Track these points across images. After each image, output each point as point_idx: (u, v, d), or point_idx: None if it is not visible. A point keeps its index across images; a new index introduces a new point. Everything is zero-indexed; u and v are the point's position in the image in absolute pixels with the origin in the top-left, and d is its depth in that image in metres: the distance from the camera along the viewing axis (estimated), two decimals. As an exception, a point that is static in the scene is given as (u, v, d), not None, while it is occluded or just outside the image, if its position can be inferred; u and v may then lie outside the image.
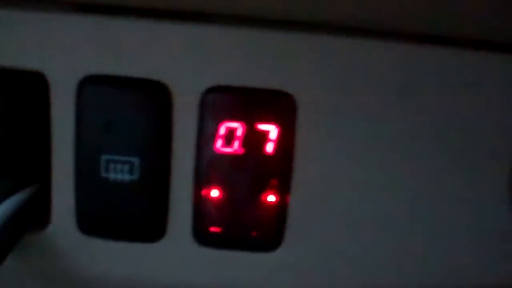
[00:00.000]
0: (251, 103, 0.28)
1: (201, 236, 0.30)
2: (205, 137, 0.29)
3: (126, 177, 0.29)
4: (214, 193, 0.30)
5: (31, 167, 0.33)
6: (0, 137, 0.32)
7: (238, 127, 0.28)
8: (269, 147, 0.29)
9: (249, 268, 0.31)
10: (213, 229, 0.30)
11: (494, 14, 0.25)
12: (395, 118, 0.28)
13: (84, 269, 0.31)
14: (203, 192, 0.30)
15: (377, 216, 0.30)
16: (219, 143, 0.29)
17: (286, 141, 0.29)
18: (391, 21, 0.26)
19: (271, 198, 0.30)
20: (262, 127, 0.28)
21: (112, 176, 0.29)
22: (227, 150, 0.29)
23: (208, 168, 0.29)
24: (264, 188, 0.30)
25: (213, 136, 0.29)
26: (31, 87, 0.30)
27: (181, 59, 0.27)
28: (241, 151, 0.29)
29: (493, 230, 0.30)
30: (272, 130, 0.28)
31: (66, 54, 0.28)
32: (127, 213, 0.30)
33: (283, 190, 0.30)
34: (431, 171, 0.29)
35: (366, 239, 0.30)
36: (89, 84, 0.28)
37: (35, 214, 0.31)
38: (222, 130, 0.28)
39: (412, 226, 0.30)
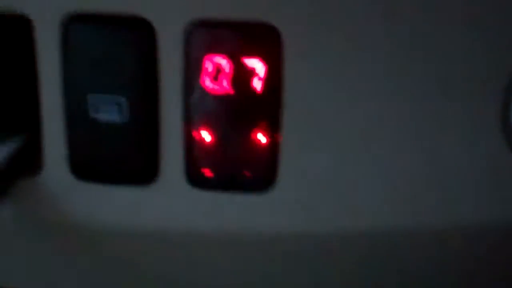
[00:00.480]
0: (236, 36, 0.28)
1: (194, 178, 0.30)
2: (191, 75, 0.28)
3: (116, 118, 0.29)
4: (204, 133, 0.29)
5: (19, 116, 0.32)
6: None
7: (225, 64, 0.28)
8: (256, 84, 0.28)
9: (243, 209, 0.31)
10: (205, 170, 0.30)
11: None
12: (383, 46, 0.28)
13: (78, 214, 0.31)
14: (194, 133, 0.29)
15: (370, 150, 0.29)
16: (207, 82, 0.28)
17: (273, 76, 0.28)
18: None
19: (262, 137, 0.29)
20: (249, 62, 0.28)
21: (101, 116, 0.29)
22: (215, 87, 0.28)
23: (197, 108, 0.29)
24: (254, 127, 0.29)
25: (200, 74, 0.28)
26: (14, 34, 0.30)
27: (164, -7, 0.27)
28: (229, 89, 0.28)
29: (487, 164, 0.29)
30: (259, 67, 0.28)
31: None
32: (119, 155, 0.30)
33: (274, 129, 0.29)
34: (422, 101, 0.28)
35: (359, 175, 0.30)
36: (73, 24, 0.28)
37: (27, 161, 0.31)
38: (209, 67, 0.28)
39: (405, 160, 0.29)
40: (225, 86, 0.28)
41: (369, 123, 0.29)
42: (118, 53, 0.28)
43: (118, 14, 0.28)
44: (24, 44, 0.29)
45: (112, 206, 0.31)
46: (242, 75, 0.28)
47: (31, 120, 0.31)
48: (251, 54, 0.28)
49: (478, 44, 0.28)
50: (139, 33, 0.28)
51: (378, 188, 0.30)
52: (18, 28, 0.29)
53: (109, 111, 0.29)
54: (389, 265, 0.33)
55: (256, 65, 0.28)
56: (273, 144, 0.30)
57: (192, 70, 0.28)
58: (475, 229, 0.31)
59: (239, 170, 0.30)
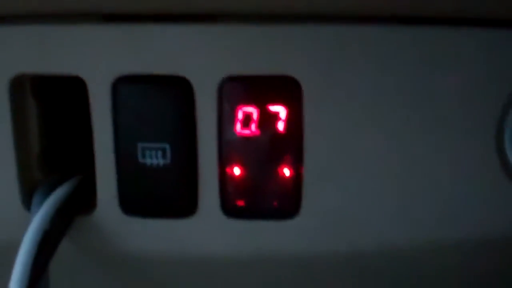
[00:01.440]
0: (262, 88, 0.32)
1: (229, 209, 0.34)
2: (225, 122, 0.33)
3: (160, 161, 0.33)
4: (237, 170, 0.34)
5: (75, 159, 0.37)
6: (47, 135, 0.36)
7: (253, 111, 0.32)
8: (280, 126, 0.33)
9: (272, 235, 0.35)
10: (238, 202, 0.34)
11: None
12: (391, 90, 0.32)
13: (127, 245, 0.35)
14: (227, 170, 0.34)
15: (384, 178, 0.33)
16: (238, 127, 0.33)
17: (294, 119, 0.32)
18: (381, 6, 0.30)
19: (287, 171, 0.34)
20: (273, 108, 0.32)
21: (148, 161, 0.33)
22: (245, 132, 0.33)
23: (230, 149, 0.33)
24: (279, 163, 0.34)
25: (232, 120, 0.33)
26: (70, 89, 0.35)
27: (198, 55, 0.32)
28: (257, 132, 0.33)
29: (486, 188, 0.33)
30: (282, 111, 0.32)
31: (100, 59, 0.32)
32: (163, 193, 0.34)
33: (297, 163, 0.33)
34: (428, 134, 0.32)
35: (375, 202, 0.33)
36: (122, 84, 0.32)
37: (82, 200, 0.35)
38: (239, 115, 0.32)
39: (419, 187, 0.33)
40: (253, 129, 0.33)
41: (379, 156, 0.33)
42: (161, 106, 0.32)
43: (160, 74, 0.32)
44: (81, 98, 0.34)
45: (157, 237, 0.35)
46: (268, 119, 0.33)
47: (86, 165, 0.35)
48: (275, 102, 0.32)
49: (471, 82, 0.32)
50: (178, 89, 0.32)
51: (395, 213, 0.34)
52: (74, 85, 0.33)
53: (154, 155, 0.33)
54: (405, 283, 0.37)
55: (280, 110, 0.33)
56: (297, 177, 0.34)
57: (224, 118, 0.33)
58: (473, 246, 0.34)
59: (268, 200, 0.34)
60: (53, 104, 0.36)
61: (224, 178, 0.34)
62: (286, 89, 0.32)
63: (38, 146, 0.36)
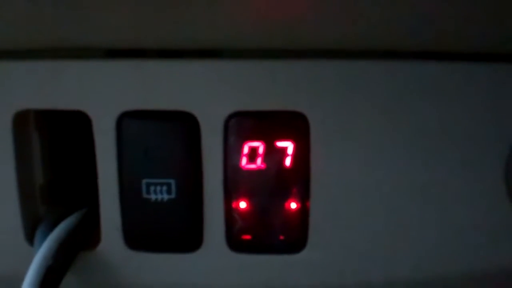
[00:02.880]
0: (269, 124, 0.32)
1: (234, 244, 0.34)
2: (231, 157, 0.32)
3: (165, 196, 0.33)
4: (243, 204, 0.33)
5: (79, 193, 0.37)
6: (51, 168, 0.36)
7: (259, 145, 0.32)
8: (288, 161, 0.32)
9: (279, 269, 0.34)
10: (244, 236, 0.34)
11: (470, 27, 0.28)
12: (396, 126, 0.32)
13: (132, 280, 0.35)
14: (233, 204, 0.33)
15: (390, 213, 0.33)
16: (244, 161, 0.33)
17: (302, 154, 0.32)
18: (384, 42, 0.30)
19: (293, 205, 0.33)
20: (280, 144, 0.32)
21: (152, 197, 0.33)
22: (251, 166, 0.32)
23: (235, 183, 0.33)
24: (286, 197, 0.33)
25: (238, 156, 0.32)
26: (75, 121, 0.34)
27: (204, 91, 0.31)
28: (263, 166, 0.32)
29: (493, 221, 0.33)
30: (289, 146, 0.32)
31: (104, 94, 0.32)
32: (168, 227, 0.34)
33: (304, 198, 0.33)
34: (435, 169, 0.32)
35: (382, 236, 0.33)
36: (126, 119, 0.32)
37: (87, 234, 0.35)
38: (245, 150, 0.32)
39: (424, 221, 0.33)
40: (259, 163, 0.33)
41: (386, 191, 0.33)
42: (167, 142, 0.32)
43: (166, 109, 0.32)
44: (85, 132, 0.33)
45: (162, 272, 0.35)
46: (274, 153, 0.32)
47: (91, 197, 0.35)
48: (282, 137, 0.32)
49: (480, 116, 0.32)
50: (184, 124, 0.32)
51: (401, 247, 0.33)
52: (79, 118, 0.33)
53: (159, 191, 0.33)
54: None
55: (287, 145, 0.32)
56: (303, 211, 0.33)
57: (230, 152, 0.32)
58: (480, 276, 0.34)
59: (274, 234, 0.34)
60: (57, 136, 0.36)
61: (229, 213, 0.34)
62: (293, 124, 0.32)
63: (42, 179, 0.35)
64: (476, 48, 0.30)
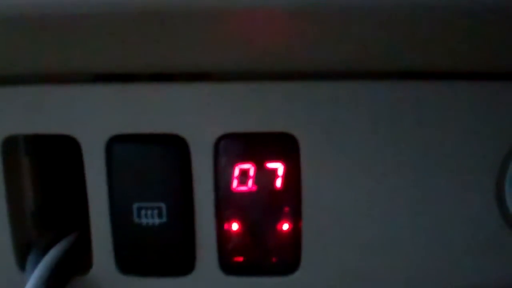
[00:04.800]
0: (259, 145, 0.32)
1: (227, 266, 0.34)
2: (221, 179, 0.32)
3: (156, 220, 0.32)
4: (235, 227, 0.33)
5: (70, 217, 0.36)
6: (42, 193, 0.36)
7: (250, 167, 0.32)
8: (278, 182, 0.32)
9: (272, 291, 0.34)
10: (237, 258, 0.34)
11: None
12: (386, 145, 0.32)
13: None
14: (225, 227, 0.33)
15: (382, 232, 0.33)
16: (234, 183, 0.32)
17: (292, 175, 0.32)
18: (371, 63, 0.30)
19: (286, 226, 0.33)
20: (271, 165, 0.32)
21: (144, 221, 0.32)
22: (242, 188, 0.32)
23: (227, 206, 0.33)
24: (278, 218, 0.33)
25: (229, 178, 0.32)
26: (65, 146, 0.34)
27: (193, 113, 0.31)
28: (254, 188, 0.32)
29: (487, 238, 0.33)
30: (279, 167, 0.32)
31: (93, 119, 0.32)
32: (160, 251, 0.33)
33: (296, 218, 0.33)
34: (426, 187, 0.32)
35: (375, 255, 0.33)
36: (116, 143, 0.32)
37: (78, 259, 0.35)
38: (236, 172, 0.32)
39: (415, 238, 0.33)
40: (250, 185, 0.32)
41: (377, 210, 0.33)
42: (157, 165, 0.32)
43: (155, 133, 0.32)
44: (75, 156, 0.33)
45: (155, 296, 0.34)
46: (265, 175, 0.32)
47: (82, 221, 0.34)
48: (272, 158, 0.32)
49: (472, 134, 0.32)
50: (174, 147, 0.32)
51: (393, 266, 0.33)
52: (68, 143, 0.33)
53: (150, 215, 0.32)
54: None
55: (277, 166, 0.32)
56: (296, 232, 0.33)
57: (221, 175, 0.32)
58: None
59: (267, 256, 0.34)
60: (47, 161, 0.36)
61: (221, 235, 0.33)
62: (283, 146, 0.32)
63: (32, 204, 0.35)
64: (462, 68, 0.30)
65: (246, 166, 0.32)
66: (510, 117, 0.31)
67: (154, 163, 0.32)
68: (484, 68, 0.30)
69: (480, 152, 0.32)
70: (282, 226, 0.33)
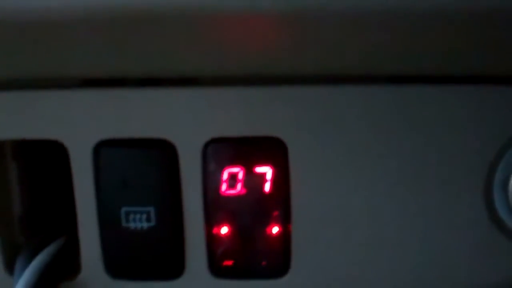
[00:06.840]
0: (247, 150, 0.32)
1: (217, 270, 0.34)
2: (210, 183, 0.32)
3: (145, 224, 0.32)
4: (224, 230, 0.33)
5: (58, 221, 0.36)
6: (29, 198, 0.35)
7: (238, 171, 0.32)
8: (267, 186, 0.32)
9: (262, 294, 0.34)
10: (226, 262, 0.34)
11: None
12: (375, 150, 0.32)
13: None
14: (214, 230, 0.33)
15: (371, 236, 0.33)
16: (223, 187, 0.32)
17: (281, 179, 0.32)
18: (360, 67, 0.30)
19: (275, 230, 0.33)
20: (259, 169, 0.32)
21: (132, 225, 0.32)
22: (231, 192, 0.32)
23: (216, 209, 0.33)
24: (267, 222, 0.33)
25: (218, 182, 0.32)
26: (53, 150, 0.34)
27: (181, 118, 0.31)
28: (243, 191, 0.32)
29: (476, 242, 0.33)
30: (268, 171, 0.32)
31: (80, 123, 0.31)
32: (149, 255, 0.33)
33: (285, 222, 0.33)
34: (415, 192, 0.32)
35: (365, 259, 0.33)
36: (103, 148, 0.32)
37: (67, 263, 0.35)
38: (225, 176, 0.32)
39: (405, 242, 0.33)
40: (239, 189, 0.32)
41: (367, 214, 0.33)
42: (145, 170, 0.32)
43: (143, 137, 0.31)
44: (62, 161, 0.33)
45: (144, 300, 0.34)
46: (254, 179, 0.32)
47: (70, 225, 0.34)
48: (261, 162, 0.32)
49: (460, 140, 0.32)
50: (162, 152, 0.32)
51: (382, 270, 0.33)
52: (55, 148, 0.33)
53: (138, 219, 0.32)
54: None
55: (266, 170, 0.32)
56: (285, 235, 0.33)
57: (209, 179, 0.32)
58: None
59: (256, 259, 0.34)
60: (35, 166, 0.36)
61: (211, 239, 0.33)
62: (272, 150, 0.32)
63: (20, 209, 0.35)
64: (450, 71, 0.30)
65: (234, 170, 0.32)
66: (498, 121, 0.31)
67: (142, 167, 0.32)
68: (472, 72, 0.30)
69: (469, 156, 0.32)
70: (271, 230, 0.33)
